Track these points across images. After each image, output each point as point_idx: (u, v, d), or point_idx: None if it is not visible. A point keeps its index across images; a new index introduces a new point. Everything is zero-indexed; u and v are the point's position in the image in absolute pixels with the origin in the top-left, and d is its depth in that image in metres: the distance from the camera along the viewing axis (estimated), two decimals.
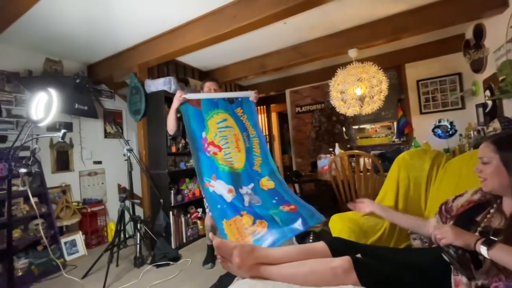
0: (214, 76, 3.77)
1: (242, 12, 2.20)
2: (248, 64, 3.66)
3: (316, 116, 4.67)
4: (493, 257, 0.71)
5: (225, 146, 1.99)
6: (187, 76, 3.62)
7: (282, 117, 6.99)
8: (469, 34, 3.07)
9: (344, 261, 0.91)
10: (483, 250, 0.72)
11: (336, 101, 3.10)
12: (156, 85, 2.83)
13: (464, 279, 0.81)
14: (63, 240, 2.57)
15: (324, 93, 4.45)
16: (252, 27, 2.28)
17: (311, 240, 1.59)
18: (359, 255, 0.97)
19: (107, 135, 3.40)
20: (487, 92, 2.78)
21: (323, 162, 2.81)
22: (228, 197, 1.84)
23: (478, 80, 3.10)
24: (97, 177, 3.27)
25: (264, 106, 6.19)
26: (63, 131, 1.71)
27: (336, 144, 2.98)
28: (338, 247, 1.05)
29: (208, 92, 2.15)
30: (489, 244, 0.71)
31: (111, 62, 3.11)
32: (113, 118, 3.37)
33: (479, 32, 2.82)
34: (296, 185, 3.00)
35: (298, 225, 1.64)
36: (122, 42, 2.80)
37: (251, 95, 2.14)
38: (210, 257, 2.24)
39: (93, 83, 3.22)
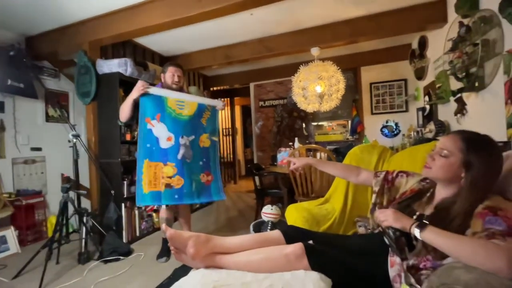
0: (177, 62, 3.59)
1: None
2: (213, 53, 3.57)
3: (279, 111, 4.78)
4: (424, 238, 0.80)
5: (180, 97, 2.05)
6: (146, 60, 3.38)
7: (246, 111, 7.00)
8: (415, 44, 3.41)
9: (296, 247, 0.95)
10: (416, 232, 0.81)
11: (297, 97, 3.21)
12: (109, 66, 2.58)
13: (398, 260, 0.90)
14: None
15: (287, 89, 4.56)
16: (217, 13, 2.22)
17: (269, 229, 1.63)
18: (310, 242, 1.02)
19: (49, 118, 3.02)
20: (426, 98, 3.13)
21: (283, 155, 2.90)
22: (164, 144, 1.94)
23: (420, 86, 3.49)
24: (35, 166, 2.89)
25: (228, 99, 6.12)
26: None
27: (296, 139, 3.09)
28: (292, 235, 1.09)
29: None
30: (421, 227, 0.81)
31: (56, 36, 2.74)
32: (57, 100, 3.02)
33: (423, 43, 3.16)
34: (257, 178, 3.03)
35: (205, 197, 2.08)
36: (70, 14, 2.48)
37: (219, 105, 2.13)
38: (165, 251, 2.16)
39: (33, 58, 2.80)
